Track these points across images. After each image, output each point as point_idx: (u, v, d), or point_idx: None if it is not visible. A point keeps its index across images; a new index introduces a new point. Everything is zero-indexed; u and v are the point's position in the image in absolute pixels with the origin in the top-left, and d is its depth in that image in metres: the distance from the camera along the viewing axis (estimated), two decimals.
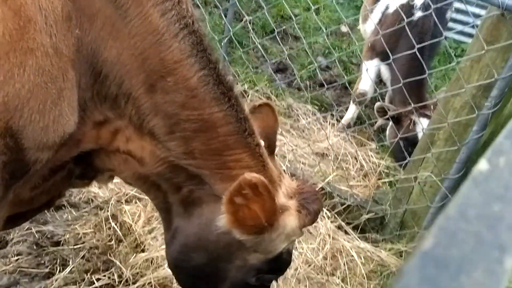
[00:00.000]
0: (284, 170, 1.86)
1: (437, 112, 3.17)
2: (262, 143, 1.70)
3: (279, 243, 1.63)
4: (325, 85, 4.19)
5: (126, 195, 3.29)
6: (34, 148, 1.30)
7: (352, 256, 3.08)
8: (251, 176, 1.40)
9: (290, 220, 1.61)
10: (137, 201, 3.25)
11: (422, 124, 3.71)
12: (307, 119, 4.67)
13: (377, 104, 4.06)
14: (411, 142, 3.74)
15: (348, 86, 5.18)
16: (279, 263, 1.70)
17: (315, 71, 5.30)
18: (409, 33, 3.49)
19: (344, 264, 3.05)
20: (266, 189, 1.42)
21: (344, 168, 4.04)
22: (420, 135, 3.67)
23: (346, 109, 4.82)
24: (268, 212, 1.48)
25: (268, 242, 1.60)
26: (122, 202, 3.24)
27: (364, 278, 2.98)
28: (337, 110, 4.62)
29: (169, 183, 1.61)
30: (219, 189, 1.55)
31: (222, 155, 1.53)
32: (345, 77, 4.62)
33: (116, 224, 3.04)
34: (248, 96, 4.88)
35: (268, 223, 1.51)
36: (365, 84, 4.61)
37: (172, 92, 1.43)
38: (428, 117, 3.80)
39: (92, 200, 3.27)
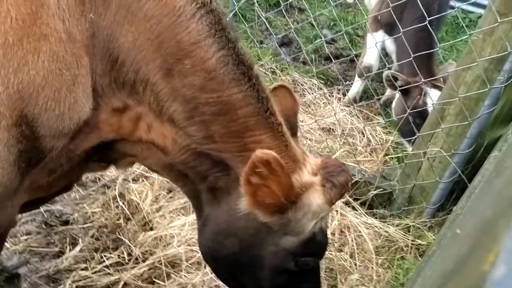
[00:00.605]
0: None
1: (447, 87, 3.10)
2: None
3: (307, 222, 1.59)
4: (332, 59, 4.11)
5: (133, 173, 3.28)
6: (49, 136, 1.28)
7: (360, 232, 3.08)
8: (262, 152, 1.37)
9: (314, 196, 1.58)
10: (144, 179, 3.25)
11: (433, 96, 3.61)
12: (313, 93, 4.61)
13: (386, 72, 3.92)
14: (421, 115, 3.63)
15: (355, 59, 5.08)
16: (314, 245, 1.66)
17: (320, 44, 5.20)
18: (418, 1, 3.36)
19: (352, 240, 3.05)
20: (279, 164, 1.40)
21: (351, 144, 4.00)
22: (430, 107, 3.57)
23: (353, 83, 4.74)
24: (285, 187, 1.46)
25: (295, 222, 1.57)
26: (129, 181, 3.23)
27: (373, 254, 2.99)
28: (344, 84, 4.55)
29: (195, 171, 1.59)
30: (241, 173, 1.51)
31: (242, 137, 1.51)
32: (352, 50, 4.53)
33: (123, 203, 3.04)
34: None
35: (286, 199, 1.49)
36: (370, 57, 4.50)
37: (190, 75, 1.39)
38: (439, 88, 3.66)
39: (99, 179, 3.26)
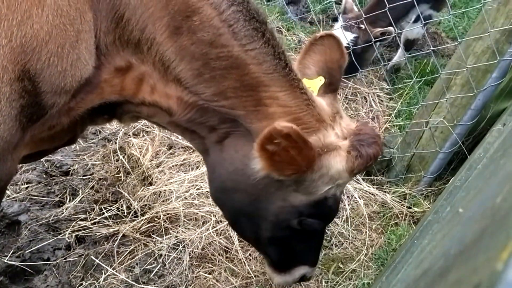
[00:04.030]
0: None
1: (456, 56, 3.05)
2: (323, 78, 1.59)
3: (321, 185, 1.55)
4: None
5: (134, 127, 3.27)
6: (51, 92, 1.26)
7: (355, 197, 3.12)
8: (282, 126, 1.32)
9: (336, 161, 1.52)
10: (144, 134, 3.25)
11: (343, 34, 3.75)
12: None
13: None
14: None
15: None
16: (323, 209, 1.62)
17: (329, 3, 5.06)
18: None
19: (348, 205, 3.09)
20: (300, 137, 1.34)
21: (354, 109, 3.98)
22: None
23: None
24: (305, 158, 1.41)
25: (310, 182, 1.53)
26: (129, 135, 3.23)
27: (367, 219, 3.04)
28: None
29: (202, 126, 1.57)
30: (256, 128, 1.48)
31: (257, 91, 1.45)
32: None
33: (124, 157, 3.05)
34: None
35: (307, 167, 1.45)
36: None
37: (199, 32, 1.35)
38: (353, 30, 3.84)
39: (99, 132, 3.26)
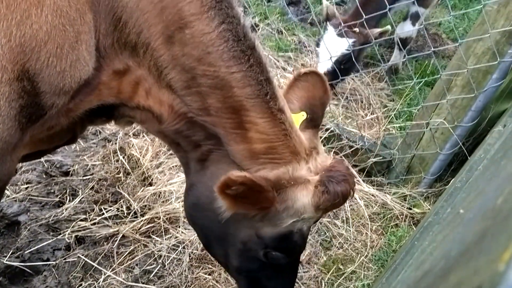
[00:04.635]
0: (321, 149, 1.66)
1: (456, 57, 3.05)
2: (305, 114, 1.60)
3: (286, 217, 1.52)
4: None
5: (134, 128, 3.27)
6: (50, 92, 1.26)
7: (356, 198, 3.12)
8: (236, 176, 1.33)
9: (302, 194, 1.50)
10: (144, 135, 3.24)
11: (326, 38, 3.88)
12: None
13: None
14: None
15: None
16: (288, 243, 1.59)
17: (330, 3, 5.06)
18: None
19: (348, 206, 3.09)
20: (254, 183, 1.35)
21: (354, 109, 3.98)
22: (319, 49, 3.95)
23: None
24: (265, 199, 1.42)
25: (274, 214, 1.51)
26: (129, 136, 3.23)
27: (367, 220, 3.03)
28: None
29: (188, 140, 1.58)
30: (234, 151, 1.50)
31: (238, 115, 1.46)
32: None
33: (124, 157, 3.05)
34: (258, 29, 4.71)
35: (268, 206, 1.45)
36: None
37: (189, 45, 1.36)
38: (343, 35, 3.87)
39: (99, 132, 3.26)
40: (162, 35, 1.36)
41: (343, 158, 3.36)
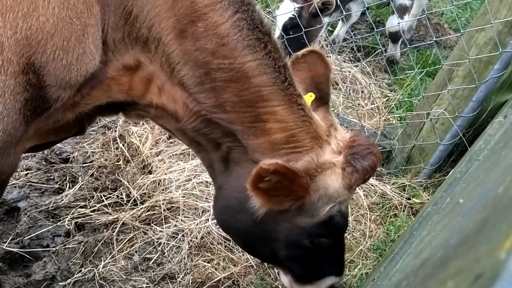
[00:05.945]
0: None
1: (458, 47, 3.03)
2: (313, 94, 1.58)
3: (322, 206, 1.52)
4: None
5: None
6: (55, 86, 1.25)
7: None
8: (268, 164, 1.31)
9: (331, 180, 1.49)
10: (144, 123, 3.24)
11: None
12: (317, 45, 4.51)
13: None
14: None
15: (366, 12, 4.93)
16: (331, 227, 1.59)
17: None
18: None
19: None
20: (288, 169, 1.33)
21: (354, 99, 3.97)
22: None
23: (361, 37, 4.63)
24: (299, 186, 1.40)
25: (310, 206, 1.51)
26: (129, 123, 3.22)
27: (366, 210, 3.04)
28: (352, 37, 4.44)
29: (207, 139, 1.55)
30: (253, 145, 1.47)
31: (255, 107, 1.43)
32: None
33: (123, 145, 3.05)
34: None
35: (303, 195, 1.44)
36: None
37: (203, 39, 1.34)
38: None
39: (99, 119, 3.25)
40: (174, 29, 1.33)
41: None
